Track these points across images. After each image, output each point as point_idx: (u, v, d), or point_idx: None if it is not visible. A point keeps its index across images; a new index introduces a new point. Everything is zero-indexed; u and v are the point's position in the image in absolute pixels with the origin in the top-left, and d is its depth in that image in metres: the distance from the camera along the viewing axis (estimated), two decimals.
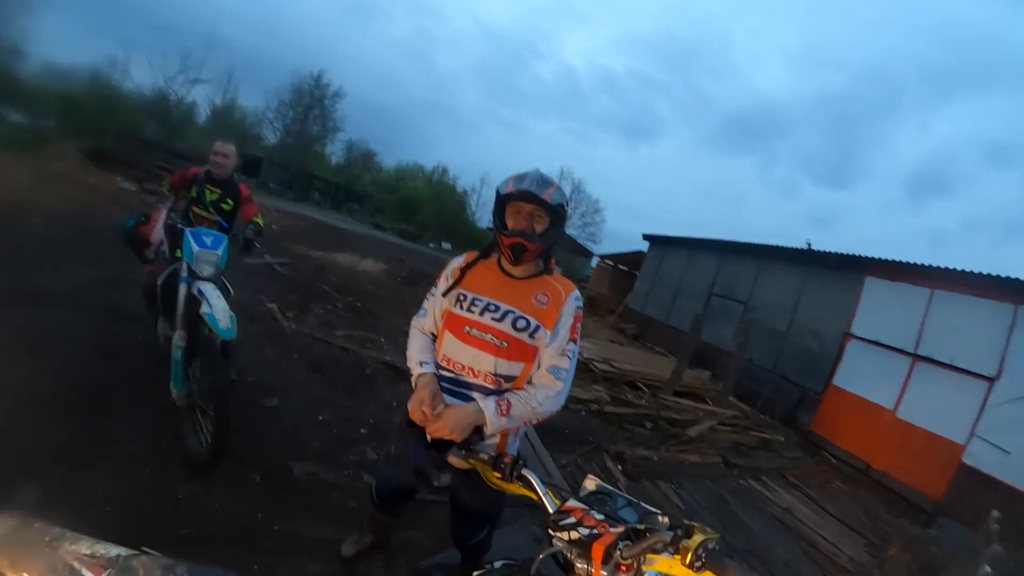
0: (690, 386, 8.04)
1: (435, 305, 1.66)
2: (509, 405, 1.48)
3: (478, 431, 1.47)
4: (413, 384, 1.57)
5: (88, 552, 0.61)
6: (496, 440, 1.59)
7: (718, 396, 8.05)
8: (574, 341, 1.55)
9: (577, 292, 1.60)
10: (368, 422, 3.76)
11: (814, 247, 11.12)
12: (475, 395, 1.54)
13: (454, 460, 1.42)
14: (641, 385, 7.47)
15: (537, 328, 1.52)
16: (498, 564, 1.11)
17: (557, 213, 1.50)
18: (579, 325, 1.57)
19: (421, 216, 33.96)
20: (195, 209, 3.42)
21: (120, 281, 4.77)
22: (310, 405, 3.74)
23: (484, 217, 44.25)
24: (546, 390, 1.52)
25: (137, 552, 0.65)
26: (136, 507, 2.23)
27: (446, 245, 30.30)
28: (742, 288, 12.14)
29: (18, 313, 3.64)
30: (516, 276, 1.59)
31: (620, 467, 4.39)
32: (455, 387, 1.57)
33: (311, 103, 35.19)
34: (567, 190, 39.94)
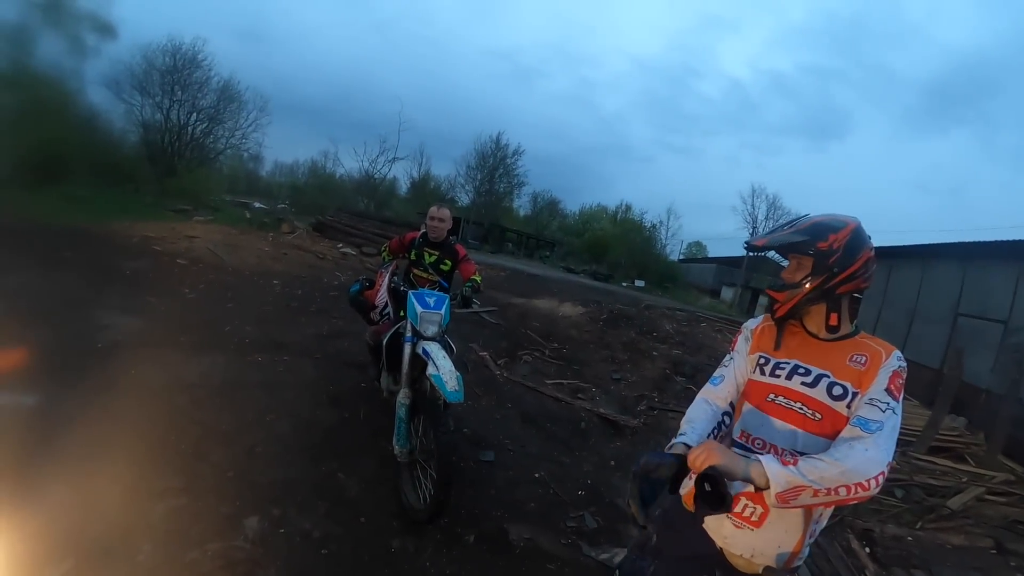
0: (946, 440, 6.82)
1: (736, 371, 1.53)
2: (796, 458, 1.20)
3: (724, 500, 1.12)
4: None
5: None
6: (791, 545, 1.37)
7: (982, 453, 6.69)
8: (891, 394, 1.28)
9: (900, 352, 1.38)
10: (586, 483, 3.64)
11: None
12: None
13: None
14: None
15: (855, 396, 1.32)
16: None
17: (815, 253, 1.33)
18: (900, 383, 1.32)
19: (611, 255, 35.93)
20: (415, 271, 3.73)
21: (344, 333, 5.62)
22: (525, 460, 3.75)
23: (675, 250, 46.07)
24: (849, 444, 1.20)
25: None
26: (349, 554, 2.39)
27: (639, 283, 30.25)
28: (998, 303, 10.00)
29: (261, 359, 4.40)
30: (822, 338, 1.43)
31: (867, 549, 3.90)
32: None
33: (495, 164, 40.43)
34: (762, 209, 37.84)
